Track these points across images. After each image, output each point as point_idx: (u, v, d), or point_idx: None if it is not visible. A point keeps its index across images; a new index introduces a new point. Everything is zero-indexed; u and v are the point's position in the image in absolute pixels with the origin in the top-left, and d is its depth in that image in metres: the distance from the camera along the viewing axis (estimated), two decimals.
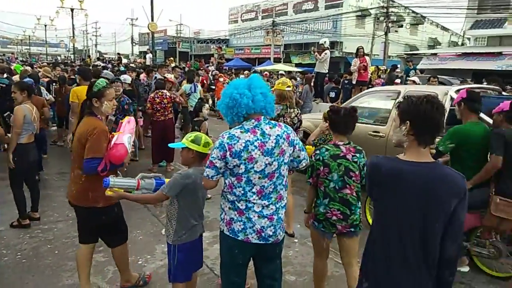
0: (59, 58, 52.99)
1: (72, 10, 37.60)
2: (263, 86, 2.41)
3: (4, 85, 7.01)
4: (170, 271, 2.85)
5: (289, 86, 4.39)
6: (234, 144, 2.27)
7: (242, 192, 2.32)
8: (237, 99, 2.32)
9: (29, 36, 70.34)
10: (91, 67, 11.85)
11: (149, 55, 21.05)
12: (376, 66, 14.74)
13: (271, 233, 2.37)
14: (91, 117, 2.94)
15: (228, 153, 2.27)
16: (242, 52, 36.81)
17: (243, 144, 2.27)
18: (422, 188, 1.73)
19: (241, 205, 2.34)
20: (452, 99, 4.78)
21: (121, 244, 3.25)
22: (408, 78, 10.62)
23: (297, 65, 28.87)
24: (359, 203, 2.94)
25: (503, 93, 6.35)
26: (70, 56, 54.17)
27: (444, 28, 35.30)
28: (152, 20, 19.79)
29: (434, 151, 3.49)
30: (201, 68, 19.33)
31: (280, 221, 2.43)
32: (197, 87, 9.02)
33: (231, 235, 2.37)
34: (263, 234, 2.35)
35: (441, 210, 1.71)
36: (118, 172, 3.00)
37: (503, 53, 19.45)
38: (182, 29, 46.24)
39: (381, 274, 1.82)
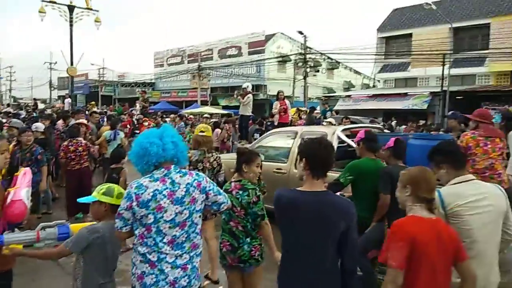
0: None
1: None
2: (174, 135, 2.45)
3: None
4: None
5: (202, 131, 4.48)
6: (142, 193, 2.25)
7: (154, 242, 2.27)
8: (147, 148, 2.33)
9: None
10: None
11: (67, 100, 20.09)
12: (298, 107, 15.54)
13: (185, 284, 2.31)
14: None
15: (135, 203, 2.24)
16: (168, 95, 36.74)
17: (151, 194, 2.25)
18: (315, 212, 2.13)
19: (153, 256, 2.27)
20: (339, 137, 5.62)
21: None
22: (324, 119, 11.33)
23: (224, 107, 29.42)
24: (249, 239, 3.10)
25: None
26: None
27: (357, 72, 38.61)
28: (72, 64, 19.10)
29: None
30: (125, 112, 18.88)
31: (195, 270, 2.38)
32: (118, 134, 8.71)
33: None
34: (176, 285, 2.28)
35: (332, 229, 2.11)
36: (15, 228, 2.77)
37: (408, 93, 21.76)
38: (105, 73, 45.09)
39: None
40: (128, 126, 14.93)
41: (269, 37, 32.07)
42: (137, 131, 14.43)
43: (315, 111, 14.25)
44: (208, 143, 4.51)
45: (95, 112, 15.32)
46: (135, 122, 15.65)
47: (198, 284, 2.44)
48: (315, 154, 2.21)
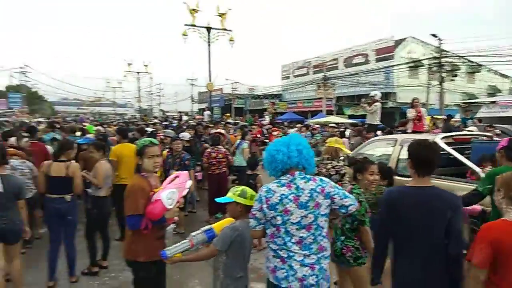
0: (125, 117, 57.14)
1: (138, 73, 41.31)
2: (300, 143, 2.64)
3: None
4: None
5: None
6: (270, 197, 2.51)
7: (283, 242, 2.50)
8: (274, 155, 2.60)
9: (100, 97, 77.34)
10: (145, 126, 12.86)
11: (207, 112, 22.35)
12: (432, 116, 14.47)
13: (313, 282, 2.47)
14: (136, 174, 3.22)
15: (265, 205, 2.52)
16: (294, 106, 37.74)
17: (279, 198, 2.49)
18: (424, 203, 2.44)
19: (283, 253, 2.50)
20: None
21: None
22: (464, 128, 10.36)
23: (350, 116, 28.97)
24: (343, 238, 3.39)
25: None
26: (135, 115, 58.56)
27: (504, 75, 33.99)
28: (210, 80, 21.20)
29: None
30: (255, 123, 20.09)
31: (322, 271, 2.51)
32: (242, 145, 8.81)
33: (275, 282, 2.52)
34: (305, 282, 2.46)
35: (440, 218, 2.39)
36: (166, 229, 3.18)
37: None
38: (237, 87, 48.69)
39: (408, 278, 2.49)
40: (258, 136, 15.91)
41: (398, 42, 30.55)
42: (267, 140, 15.26)
43: (453, 119, 13.10)
44: (334, 152, 4.74)
45: (229, 122, 16.77)
46: (265, 131, 16.52)
47: (326, 285, 2.55)
48: (417, 155, 2.52)
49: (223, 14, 20.32)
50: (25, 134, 6.47)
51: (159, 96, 74.10)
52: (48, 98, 66.60)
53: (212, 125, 13.63)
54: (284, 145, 2.61)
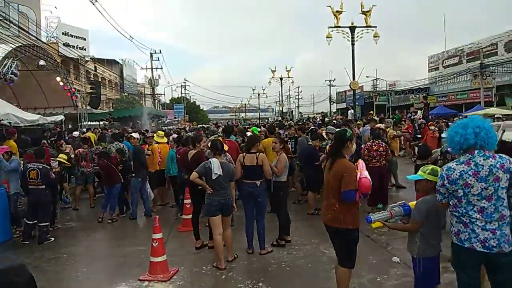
0: (267, 120, 60.65)
1: (281, 79, 43.66)
2: (479, 126, 2.89)
3: None
4: (416, 283, 3.46)
5: None
6: (451, 174, 2.91)
7: (465, 211, 2.88)
8: (453, 137, 2.98)
9: (245, 104, 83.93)
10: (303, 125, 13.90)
11: (350, 111, 22.59)
12: None
13: (494, 244, 2.79)
14: (342, 158, 3.83)
15: (446, 181, 2.93)
16: (445, 99, 34.79)
17: (458, 174, 2.87)
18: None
19: (465, 219, 2.88)
20: None
21: (343, 267, 3.83)
22: None
23: None
24: None
25: None
26: (276, 118, 61.71)
27: None
28: (354, 79, 21.38)
29: None
30: (403, 119, 19.48)
31: (504, 236, 2.80)
32: None
33: (459, 243, 2.92)
34: (486, 244, 2.80)
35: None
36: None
37: None
38: (378, 83, 47.28)
39: None
40: (409, 131, 15.55)
41: None
42: (419, 135, 14.82)
43: None
44: None
45: (374, 119, 16.76)
46: (416, 127, 16.02)
47: (509, 248, 2.81)
48: None
49: (368, 11, 20.31)
50: (220, 134, 8.04)
51: (297, 99, 76.73)
52: (203, 107, 75.11)
53: (359, 123, 14.03)
54: (462, 127, 2.94)
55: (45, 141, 11.08)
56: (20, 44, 17.07)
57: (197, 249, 5.98)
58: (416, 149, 14.27)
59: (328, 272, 4.92)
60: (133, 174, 8.18)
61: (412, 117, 19.78)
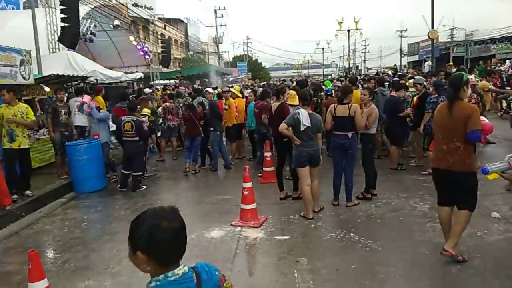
0: (329, 76, 58.72)
1: (348, 31, 41.59)
2: None
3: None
4: None
5: None
6: None
7: None
8: None
9: (308, 60, 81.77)
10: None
11: (428, 63, 21.17)
12: None
13: None
14: (462, 101, 3.75)
15: None
16: None
17: None
18: None
19: None
20: None
21: (467, 209, 3.74)
22: None
23: None
24: None
25: None
26: (340, 74, 59.57)
27: None
28: (433, 27, 19.75)
29: None
30: (488, 69, 17.82)
31: None
32: None
33: None
34: None
35: None
36: None
37: None
38: (455, 33, 43.28)
39: None
40: (496, 83, 14.24)
41: None
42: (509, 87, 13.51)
43: None
44: None
45: (449, 73, 15.50)
46: (504, 79, 14.63)
47: None
48: None
49: None
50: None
51: (364, 52, 73.07)
52: (265, 65, 74.40)
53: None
54: None
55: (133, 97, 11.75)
56: (97, 5, 17.79)
57: (281, 200, 6.10)
58: (505, 103, 13.11)
59: (422, 225, 4.81)
60: (211, 128, 8.42)
61: (496, 68, 18.00)
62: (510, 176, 3.29)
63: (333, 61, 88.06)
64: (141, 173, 7.27)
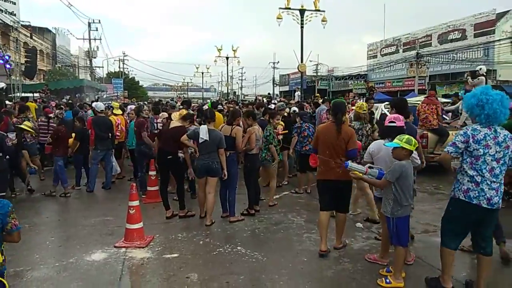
0: (208, 100, 60.00)
1: (227, 58, 43.30)
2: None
3: None
4: (391, 238, 3.93)
5: (364, 110, 6.18)
6: (476, 134, 3.37)
7: (479, 168, 3.36)
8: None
9: (187, 83, 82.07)
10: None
11: (297, 93, 23.27)
12: None
13: (495, 201, 3.37)
14: (345, 124, 4.53)
15: (471, 139, 3.37)
16: (382, 86, 36.90)
17: (483, 135, 3.35)
18: None
19: (478, 178, 3.37)
20: None
21: (344, 213, 4.71)
22: None
23: (444, 95, 27.80)
24: None
25: None
26: (218, 98, 61.27)
27: None
28: (302, 61, 21.94)
29: None
30: (348, 101, 20.42)
31: (500, 194, 3.40)
32: None
33: (466, 200, 3.40)
34: (491, 201, 3.35)
35: None
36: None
37: None
38: (319, 68, 48.70)
39: None
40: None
41: (500, 16, 28.33)
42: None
43: None
44: (365, 118, 6.11)
45: (317, 102, 17.48)
46: None
47: (500, 204, 3.44)
48: None
49: None
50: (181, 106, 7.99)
51: (241, 79, 76.67)
52: (142, 84, 72.20)
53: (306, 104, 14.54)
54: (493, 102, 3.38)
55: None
56: None
57: (167, 219, 6.03)
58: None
59: (300, 236, 5.28)
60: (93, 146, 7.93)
61: (352, 101, 20.80)
62: (366, 178, 4.00)
63: (212, 86, 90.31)
64: (3, 194, 6.38)
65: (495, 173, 3.36)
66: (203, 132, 5.58)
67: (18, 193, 7.67)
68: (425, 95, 11.54)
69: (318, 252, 4.52)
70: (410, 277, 4.00)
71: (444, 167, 3.68)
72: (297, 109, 9.88)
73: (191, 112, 7.84)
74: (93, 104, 8.99)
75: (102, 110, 8.29)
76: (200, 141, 5.58)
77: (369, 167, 4.00)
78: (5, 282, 2.50)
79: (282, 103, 11.43)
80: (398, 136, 3.89)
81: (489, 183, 3.34)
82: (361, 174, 3.98)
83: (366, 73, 40.99)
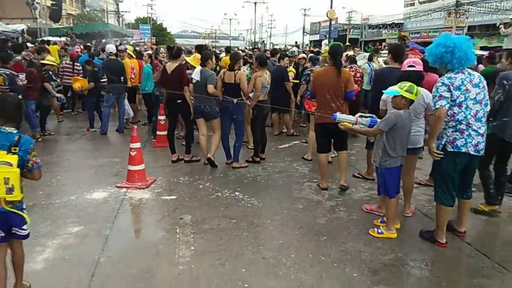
0: (236, 48, 58.87)
1: (255, 3, 41.82)
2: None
3: None
4: (379, 188, 3.85)
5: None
6: (453, 81, 3.25)
7: (464, 116, 3.24)
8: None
9: (215, 30, 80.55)
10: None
11: (325, 41, 22.33)
12: None
13: (482, 147, 3.32)
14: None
15: (451, 87, 3.23)
16: (418, 36, 34.89)
17: (460, 81, 3.26)
18: None
19: (463, 126, 3.25)
20: None
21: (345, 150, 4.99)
22: None
23: (482, 48, 26.02)
24: None
25: None
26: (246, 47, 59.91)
27: None
28: (331, 7, 20.85)
29: None
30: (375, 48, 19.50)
31: (485, 139, 3.36)
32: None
33: (454, 150, 3.29)
34: (477, 147, 3.28)
35: None
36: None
37: None
38: (353, 16, 46.31)
39: None
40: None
41: None
42: None
43: None
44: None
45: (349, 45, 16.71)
46: None
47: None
48: None
49: None
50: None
51: (270, 28, 74.42)
52: (170, 30, 71.38)
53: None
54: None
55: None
56: None
57: (173, 162, 6.07)
58: None
59: (301, 185, 5.21)
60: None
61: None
62: (357, 128, 3.87)
63: (241, 34, 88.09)
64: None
65: (479, 116, 3.30)
66: (196, 72, 5.65)
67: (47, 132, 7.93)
68: None
69: (319, 186, 5.02)
70: (406, 229, 3.90)
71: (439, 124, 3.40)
72: (295, 50, 9.68)
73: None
74: (106, 47, 8.82)
75: (111, 53, 8.16)
76: (194, 81, 5.68)
77: (360, 116, 3.85)
78: (26, 216, 2.60)
79: (294, 49, 11.01)
80: (399, 84, 3.62)
81: (475, 128, 3.28)
82: (350, 125, 3.86)
83: (401, 22, 38.71)
